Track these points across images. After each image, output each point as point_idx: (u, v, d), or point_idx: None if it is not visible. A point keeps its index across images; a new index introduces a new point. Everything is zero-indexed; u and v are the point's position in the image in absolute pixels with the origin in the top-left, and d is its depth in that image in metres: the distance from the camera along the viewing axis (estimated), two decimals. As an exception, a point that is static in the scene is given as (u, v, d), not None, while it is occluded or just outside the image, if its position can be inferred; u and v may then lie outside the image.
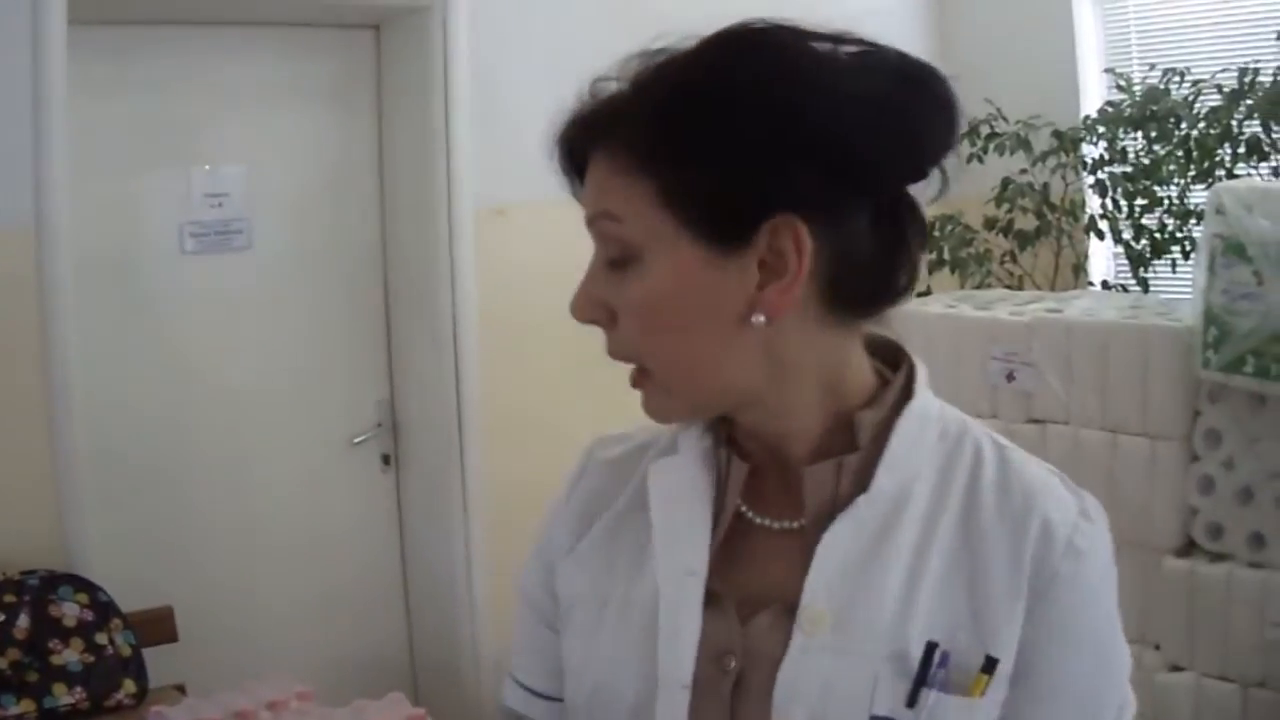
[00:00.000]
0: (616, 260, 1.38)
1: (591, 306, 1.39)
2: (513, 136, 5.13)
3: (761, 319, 1.36)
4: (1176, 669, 4.08)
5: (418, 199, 5.34)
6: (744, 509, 1.46)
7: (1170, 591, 4.06)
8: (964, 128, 1.43)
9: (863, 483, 1.41)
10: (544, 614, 1.61)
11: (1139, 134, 5.39)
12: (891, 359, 1.51)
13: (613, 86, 1.40)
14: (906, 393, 1.46)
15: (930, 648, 1.35)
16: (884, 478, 1.40)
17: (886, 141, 1.37)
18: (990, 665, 1.35)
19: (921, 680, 1.34)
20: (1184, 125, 5.23)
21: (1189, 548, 4.08)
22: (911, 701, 1.33)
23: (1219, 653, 3.98)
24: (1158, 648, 4.13)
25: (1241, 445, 3.94)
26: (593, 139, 1.40)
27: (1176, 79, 5.35)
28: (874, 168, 1.38)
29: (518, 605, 1.66)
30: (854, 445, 1.42)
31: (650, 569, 1.47)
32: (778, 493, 1.45)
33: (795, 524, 1.43)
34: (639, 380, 1.42)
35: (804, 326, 1.39)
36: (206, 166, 5.05)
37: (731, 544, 1.46)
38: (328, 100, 5.36)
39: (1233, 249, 3.84)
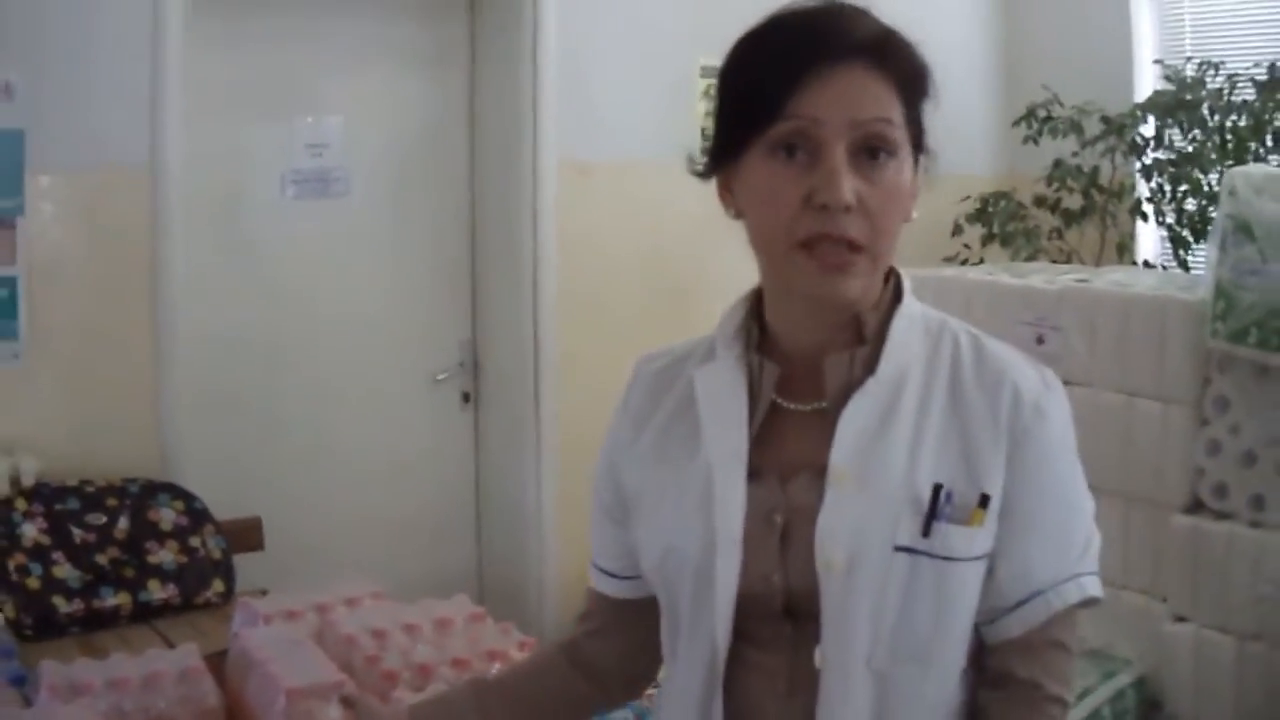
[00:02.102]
0: (878, 152, 1.71)
1: (853, 192, 1.69)
2: (598, 100, 5.50)
3: (916, 215, 1.79)
4: (1180, 620, 4.26)
5: (505, 154, 5.66)
6: (777, 399, 1.84)
7: (1177, 547, 4.24)
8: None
9: (870, 368, 1.79)
10: (609, 509, 2.01)
11: (1180, 122, 5.60)
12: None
13: (855, 15, 1.76)
14: (896, 297, 1.84)
15: (937, 488, 1.72)
16: (886, 363, 1.79)
17: None
18: (984, 500, 1.73)
19: (932, 514, 1.72)
20: (1217, 116, 5.46)
21: (1196, 506, 4.25)
22: (926, 532, 1.72)
23: (1219, 606, 4.16)
24: (1165, 600, 4.33)
25: (1246, 412, 4.13)
26: (854, 51, 1.71)
27: (1211, 71, 5.57)
28: None
29: (593, 503, 2.06)
30: (862, 340, 1.80)
31: (702, 454, 1.84)
32: (802, 383, 1.82)
33: (818, 405, 1.81)
34: (847, 265, 1.71)
35: None
36: (309, 118, 5.41)
37: (767, 428, 1.83)
38: (423, 60, 5.69)
39: (1242, 229, 4.04)
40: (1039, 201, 6.03)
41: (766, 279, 1.84)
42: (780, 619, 1.78)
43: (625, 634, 2.03)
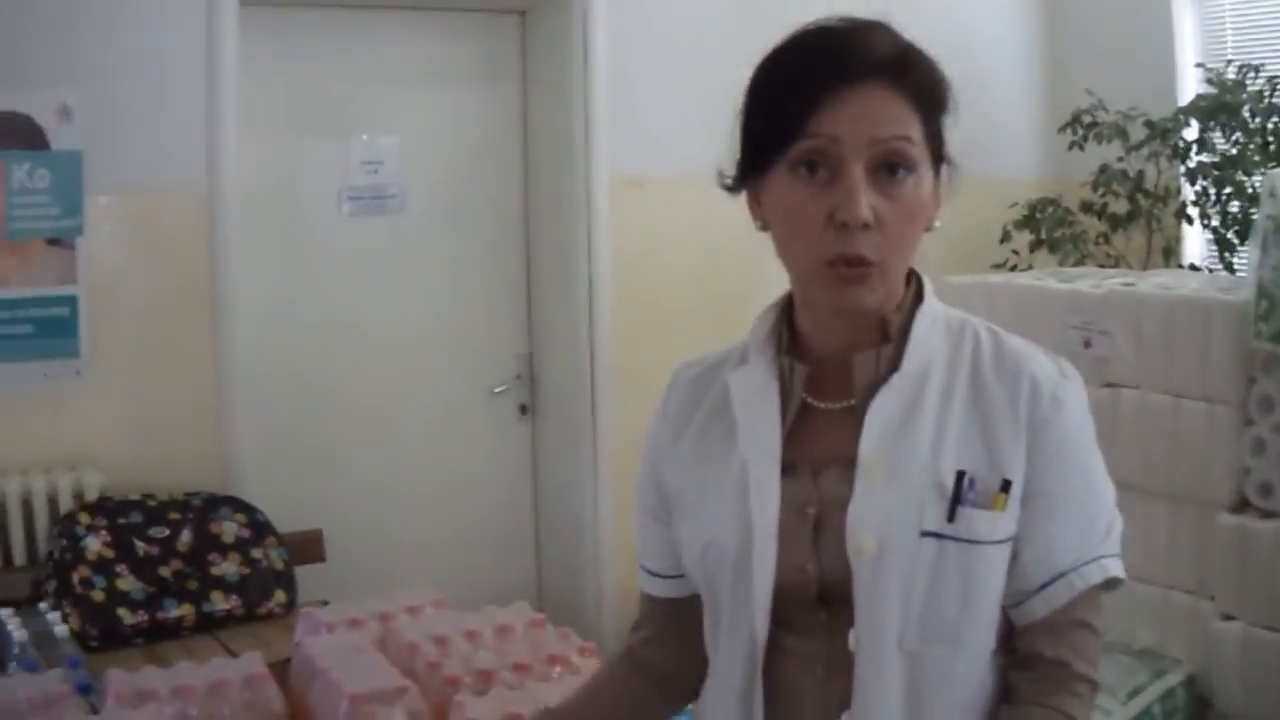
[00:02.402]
0: (898, 168, 1.77)
1: (869, 210, 1.76)
2: (648, 115, 5.56)
3: (938, 224, 1.86)
4: (1228, 618, 4.30)
5: (558, 170, 5.73)
6: (808, 398, 1.91)
7: (1224, 545, 4.28)
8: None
9: (895, 365, 1.87)
10: (653, 509, 2.08)
11: (1222, 125, 5.63)
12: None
13: (872, 35, 1.82)
14: (918, 298, 1.92)
15: (960, 475, 1.79)
16: (910, 360, 1.87)
17: None
18: (1006, 486, 1.80)
19: (956, 500, 1.79)
20: (1258, 118, 5.49)
21: (1242, 505, 4.29)
22: (951, 517, 1.78)
23: (1266, 604, 4.20)
24: (1212, 598, 4.37)
25: None
26: (872, 70, 1.77)
27: (1252, 74, 5.60)
28: None
29: (637, 506, 2.13)
30: (886, 338, 1.88)
31: (737, 453, 1.92)
32: (831, 382, 1.90)
33: (846, 403, 1.88)
34: (863, 276, 1.77)
35: None
36: (364, 137, 5.49)
37: (799, 426, 1.91)
38: (476, 78, 5.78)
39: None
40: (1085, 207, 6.06)
41: (796, 289, 1.93)
42: (815, 606, 1.85)
43: (679, 635, 2.09)
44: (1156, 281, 4.75)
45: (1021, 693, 1.84)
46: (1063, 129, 6.12)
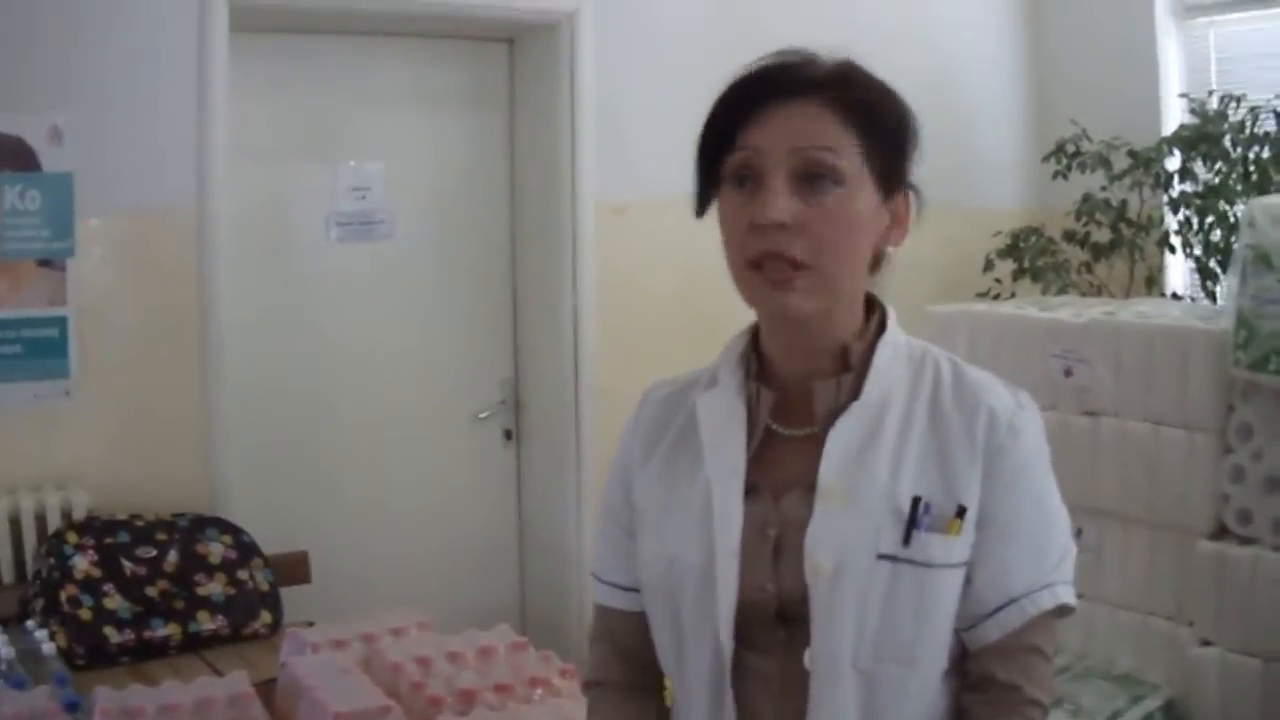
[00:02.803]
0: (818, 178, 1.82)
1: (785, 211, 1.81)
2: (632, 142, 5.60)
3: (892, 249, 1.93)
4: (1206, 644, 4.34)
5: (544, 196, 5.77)
6: (772, 424, 1.96)
7: (1203, 572, 4.32)
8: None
9: (855, 393, 1.92)
10: (624, 522, 2.10)
11: (1203, 155, 5.67)
12: (868, 304, 2.00)
13: (813, 60, 1.88)
14: (880, 328, 1.97)
15: (916, 500, 1.84)
16: (870, 389, 1.91)
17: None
18: (961, 511, 1.84)
19: (912, 524, 1.83)
20: (1239, 148, 5.54)
21: (1221, 532, 4.33)
22: (906, 541, 1.83)
23: (1245, 630, 4.23)
24: (1191, 624, 4.40)
25: (1269, 439, 4.21)
26: (796, 88, 1.84)
27: (1233, 104, 5.65)
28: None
29: (602, 520, 2.16)
30: (847, 367, 1.93)
31: (703, 473, 1.96)
32: (795, 409, 1.95)
33: (809, 430, 1.93)
34: (788, 280, 1.82)
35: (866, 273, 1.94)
36: (352, 162, 5.51)
37: (763, 450, 1.95)
38: (464, 105, 5.81)
39: (1261, 259, 4.12)
40: (1068, 236, 6.11)
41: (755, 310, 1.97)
42: (774, 624, 1.89)
43: (643, 647, 2.10)
44: (1137, 310, 4.78)
45: (974, 715, 1.89)
46: (1047, 158, 6.17)
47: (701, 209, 1.95)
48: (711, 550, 1.91)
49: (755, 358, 2.00)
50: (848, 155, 1.83)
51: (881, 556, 1.83)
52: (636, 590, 2.08)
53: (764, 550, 1.90)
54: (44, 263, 4.60)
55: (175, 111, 4.79)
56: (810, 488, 1.88)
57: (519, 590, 6.07)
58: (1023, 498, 1.88)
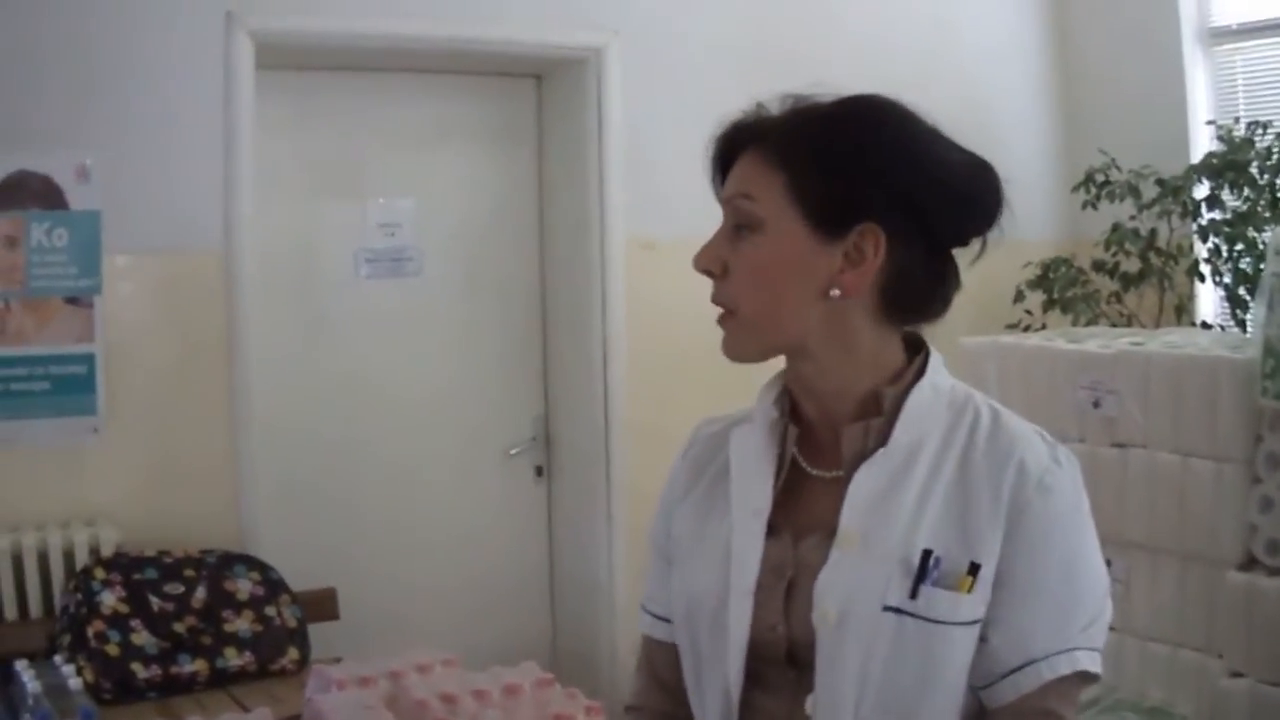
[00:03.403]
0: (741, 228, 1.85)
1: (710, 259, 1.88)
2: (661, 177, 5.60)
3: (837, 293, 1.84)
4: (1236, 675, 4.28)
5: (573, 232, 5.79)
6: (802, 462, 1.95)
7: (1232, 603, 4.26)
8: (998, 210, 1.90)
9: (884, 439, 1.88)
10: (666, 554, 2.10)
11: (1230, 182, 5.64)
12: (916, 346, 1.97)
13: (771, 109, 1.91)
14: (921, 372, 1.93)
15: (926, 554, 1.80)
16: (899, 435, 1.88)
17: (957, 207, 1.87)
18: (974, 569, 1.79)
19: (920, 578, 1.80)
20: (1265, 175, 5.51)
21: (1250, 563, 4.28)
22: (913, 595, 1.79)
23: (1274, 661, 4.17)
24: (1220, 656, 4.34)
25: None
26: (746, 140, 1.88)
27: (1260, 131, 5.63)
28: (942, 220, 1.87)
29: (649, 551, 2.16)
30: (880, 411, 1.90)
31: (730, 511, 1.96)
32: (825, 450, 1.93)
33: (836, 473, 1.91)
34: (725, 321, 1.89)
35: (861, 315, 1.88)
36: (380, 200, 5.56)
37: (791, 490, 1.94)
38: (492, 141, 5.84)
39: None
40: (1097, 266, 6.07)
41: None
42: (785, 666, 1.88)
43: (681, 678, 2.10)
44: (1165, 340, 4.75)
45: None
46: (1076, 188, 6.15)
47: None
48: (727, 588, 1.90)
49: (788, 397, 1.99)
50: (767, 199, 1.84)
51: (888, 608, 1.80)
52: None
53: (777, 591, 1.89)
54: (71, 300, 4.65)
55: (202, 149, 4.84)
56: (831, 532, 1.86)
57: (550, 626, 6.06)
58: (1048, 558, 1.81)
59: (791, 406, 1.98)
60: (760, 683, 1.89)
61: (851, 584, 1.81)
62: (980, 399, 1.94)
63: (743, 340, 1.89)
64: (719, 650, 1.91)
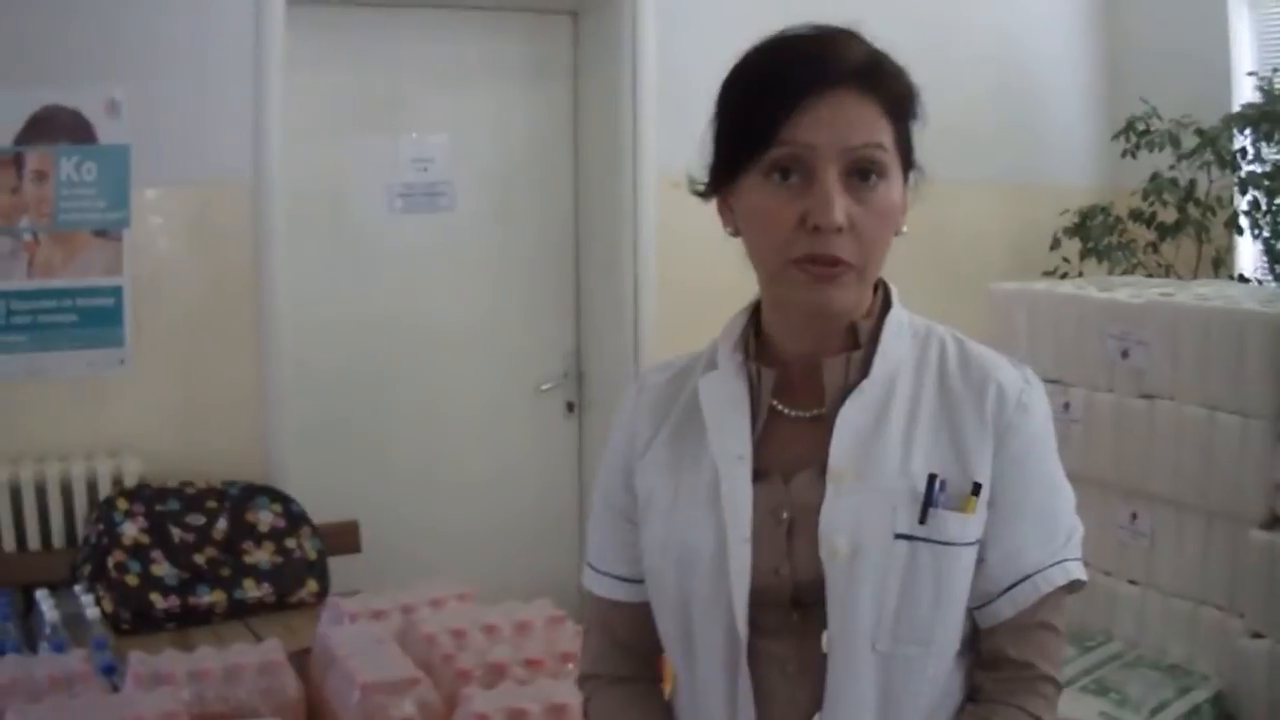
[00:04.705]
0: (869, 175, 1.79)
1: (844, 216, 1.79)
2: (695, 115, 5.55)
3: (905, 230, 1.87)
4: (1257, 635, 4.23)
5: (606, 169, 5.77)
6: (776, 404, 1.93)
7: (1254, 562, 4.21)
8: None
9: (864, 371, 1.89)
10: (624, 510, 2.05)
11: (1265, 134, 5.59)
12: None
13: (847, 43, 1.84)
14: (886, 306, 1.94)
15: (932, 478, 1.82)
16: (879, 366, 1.89)
17: None
18: (976, 489, 1.83)
19: (928, 502, 1.81)
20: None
21: (1274, 522, 4.21)
22: (923, 519, 1.81)
23: None
24: (1242, 616, 4.30)
25: None
26: (846, 77, 1.78)
27: (1292, 82, 5.53)
28: None
29: (598, 510, 2.12)
30: (856, 345, 1.90)
31: (708, 458, 1.93)
32: (800, 389, 1.92)
33: (815, 411, 1.90)
34: (831, 277, 1.79)
35: None
36: (414, 134, 5.54)
37: (768, 432, 1.92)
38: (527, 77, 5.81)
39: None
40: (1135, 215, 6.02)
41: (765, 292, 1.94)
42: (788, 609, 1.86)
43: (643, 637, 2.07)
44: (1196, 292, 4.69)
45: (987, 692, 1.87)
46: (1116, 136, 6.08)
47: (715, 193, 1.93)
48: (723, 537, 1.87)
49: (754, 338, 1.97)
50: (888, 148, 1.81)
51: (899, 536, 1.81)
52: (637, 581, 2.04)
53: (777, 534, 1.87)
54: (100, 233, 4.67)
55: (232, 83, 4.84)
56: (820, 469, 1.85)
57: (577, 563, 6.00)
58: (1032, 475, 1.88)
59: (758, 347, 1.97)
60: (760, 628, 1.87)
61: (858, 517, 1.82)
62: (942, 329, 1.97)
63: (853, 290, 1.84)
64: (718, 601, 1.88)
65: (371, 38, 5.43)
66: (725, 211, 1.92)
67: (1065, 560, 1.88)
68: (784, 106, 1.78)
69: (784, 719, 1.87)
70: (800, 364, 1.92)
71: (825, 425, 1.87)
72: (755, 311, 1.99)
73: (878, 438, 1.85)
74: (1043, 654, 1.87)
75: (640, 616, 2.05)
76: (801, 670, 1.86)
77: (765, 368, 1.93)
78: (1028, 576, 1.85)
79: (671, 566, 1.94)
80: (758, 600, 1.86)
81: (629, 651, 2.09)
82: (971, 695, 1.89)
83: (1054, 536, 1.88)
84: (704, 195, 1.95)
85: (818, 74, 1.78)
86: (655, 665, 2.10)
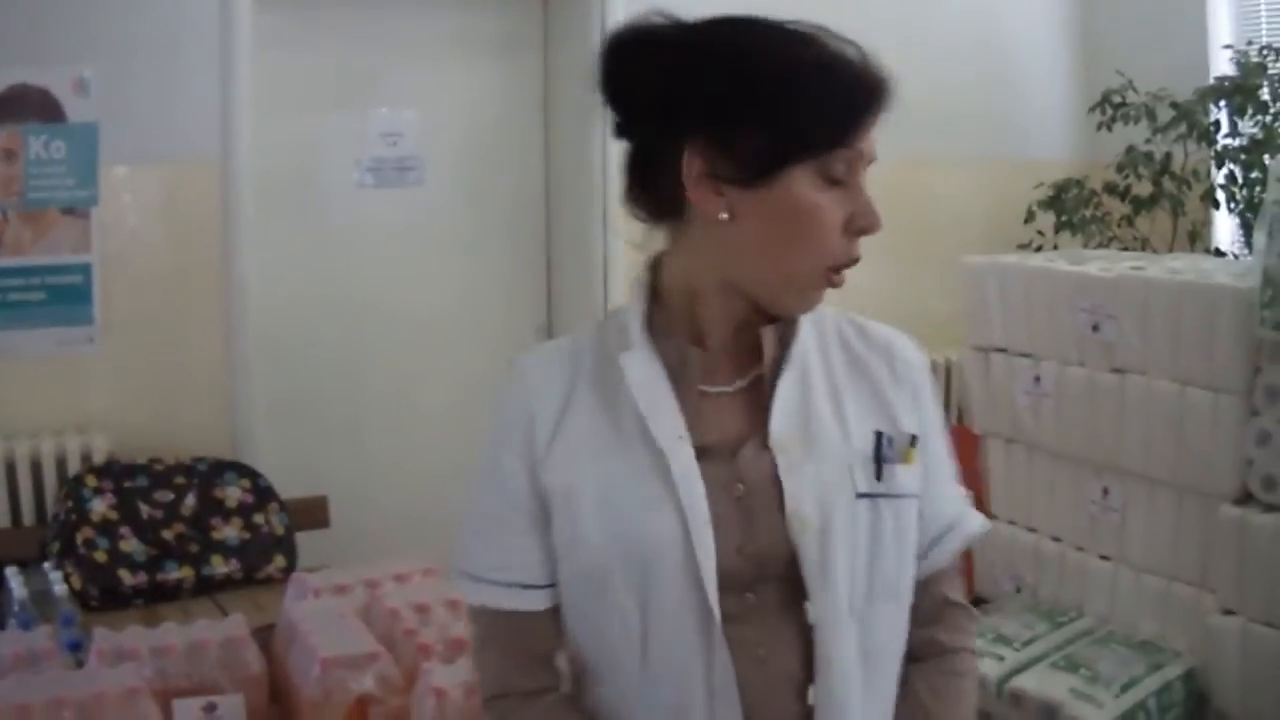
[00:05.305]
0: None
1: None
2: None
3: None
4: (1228, 612, 4.21)
5: (577, 143, 5.77)
6: (701, 386, 1.90)
7: (1225, 538, 4.18)
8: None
9: (785, 343, 1.91)
10: (533, 516, 1.93)
11: (1241, 107, 5.57)
12: None
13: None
14: None
15: (879, 434, 1.89)
16: (804, 336, 1.93)
17: None
18: (913, 440, 1.92)
19: (880, 458, 1.87)
20: (1278, 101, 5.43)
21: (1245, 498, 4.18)
22: (879, 476, 1.87)
23: (1267, 599, 4.10)
24: (1214, 592, 4.28)
25: None
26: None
27: (1272, 56, 5.53)
28: None
29: (494, 514, 1.97)
30: (774, 320, 1.91)
31: (648, 439, 1.86)
32: (722, 368, 1.91)
33: (737, 385, 1.91)
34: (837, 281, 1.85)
35: None
36: (383, 109, 5.52)
37: (699, 411, 1.89)
38: (497, 51, 5.80)
39: None
40: (1110, 189, 6.01)
41: (721, 278, 1.87)
42: (742, 591, 1.83)
43: (555, 646, 1.97)
44: (1168, 266, 4.66)
45: (940, 641, 1.99)
46: (1092, 109, 6.08)
47: (754, 183, 1.80)
48: (684, 520, 1.80)
49: (661, 318, 1.92)
50: None
51: (861, 496, 1.84)
52: (549, 586, 1.93)
53: (734, 513, 1.83)
54: (69, 211, 4.66)
55: (200, 60, 4.83)
56: (761, 442, 1.85)
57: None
58: (938, 428, 2.00)
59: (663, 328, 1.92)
60: (722, 616, 1.81)
61: (820, 483, 1.84)
62: (832, 311, 2.00)
63: None
64: (688, 588, 1.80)
65: (340, 13, 5.40)
66: (713, 195, 1.81)
67: (969, 507, 2.05)
68: (864, 120, 1.79)
69: (770, 703, 1.84)
70: (724, 342, 1.91)
71: (748, 398, 1.90)
72: (653, 294, 1.94)
73: (810, 405, 1.89)
74: (962, 595, 2.05)
75: (554, 623, 1.94)
76: (773, 651, 1.84)
77: (693, 347, 1.90)
78: (953, 526, 2.00)
79: (619, 560, 1.83)
80: (720, 584, 1.79)
81: (540, 663, 1.96)
82: (922, 647, 1.96)
83: (957, 485, 2.04)
84: (745, 184, 1.80)
85: (885, 94, 1.80)
86: (557, 673, 1.97)
